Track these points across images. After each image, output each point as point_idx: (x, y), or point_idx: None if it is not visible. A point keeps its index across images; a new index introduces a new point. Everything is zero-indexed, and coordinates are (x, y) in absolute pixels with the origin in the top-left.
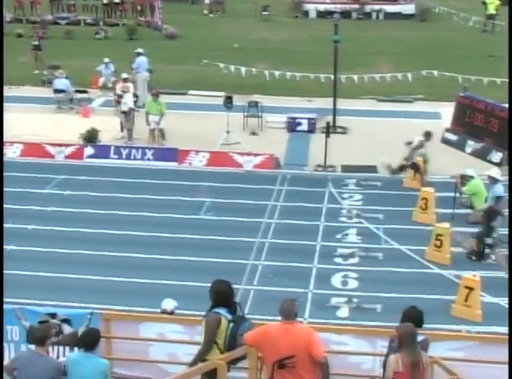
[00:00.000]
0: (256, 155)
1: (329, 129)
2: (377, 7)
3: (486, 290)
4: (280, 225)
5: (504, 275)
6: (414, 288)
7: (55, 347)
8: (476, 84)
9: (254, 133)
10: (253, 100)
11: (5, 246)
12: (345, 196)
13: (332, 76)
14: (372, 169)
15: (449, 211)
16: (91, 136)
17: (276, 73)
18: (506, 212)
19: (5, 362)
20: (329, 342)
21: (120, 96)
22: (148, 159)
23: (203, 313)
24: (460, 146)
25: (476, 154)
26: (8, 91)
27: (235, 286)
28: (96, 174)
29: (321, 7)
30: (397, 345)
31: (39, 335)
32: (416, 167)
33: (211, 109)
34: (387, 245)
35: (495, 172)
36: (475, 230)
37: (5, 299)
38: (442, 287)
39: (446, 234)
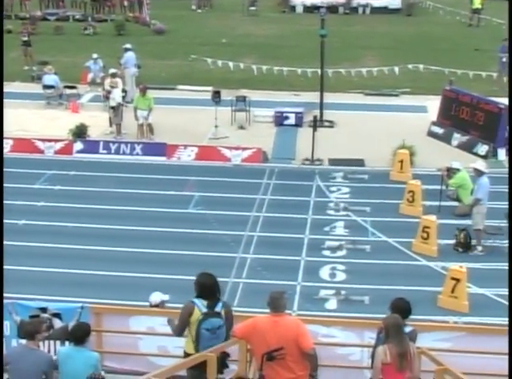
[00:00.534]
0: (244, 149)
1: (317, 123)
2: (363, 2)
3: (472, 282)
4: (268, 218)
5: (490, 266)
6: (401, 280)
7: (46, 342)
8: (462, 77)
9: (241, 128)
10: (240, 95)
11: None
12: (333, 189)
13: (319, 71)
14: (359, 162)
15: (436, 203)
16: (80, 132)
17: (264, 67)
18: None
19: None
20: (318, 334)
21: (109, 92)
22: (137, 154)
23: None
24: (446, 139)
25: (462, 147)
26: None
27: (224, 279)
28: (86, 169)
29: (308, 2)
30: (384, 336)
31: (29, 330)
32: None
33: (199, 104)
34: (375, 237)
35: (481, 165)
36: (461, 222)
37: None
38: (429, 278)
39: (432, 227)
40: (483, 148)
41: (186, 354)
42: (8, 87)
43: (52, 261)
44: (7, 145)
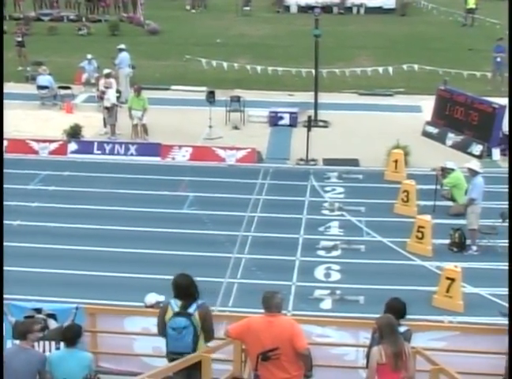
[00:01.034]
0: (238, 149)
1: (311, 123)
2: (358, 2)
3: (467, 281)
4: (263, 218)
5: (485, 265)
6: (396, 280)
7: (41, 342)
8: (456, 77)
9: (236, 128)
10: (235, 95)
11: None
12: (327, 189)
13: (313, 71)
14: (354, 162)
15: (431, 203)
16: (74, 132)
17: (258, 67)
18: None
19: None
20: (313, 334)
21: (103, 92)
22: (132, 155)
23: None
24: (440, 139)
25: (456, 146)
26: None
27: (218, 279)
28: (80, 169)
29: (303, 2)
30: (378, 337)
31: (21, 330)
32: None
33: (193, 104)
34: (369, 237)
35: (475, 164)
36: (455, 221)
37: None
38: (423, 278)
39: (427, 226)
40: (477, 148)
41: None
42: None
43: (47, 262)
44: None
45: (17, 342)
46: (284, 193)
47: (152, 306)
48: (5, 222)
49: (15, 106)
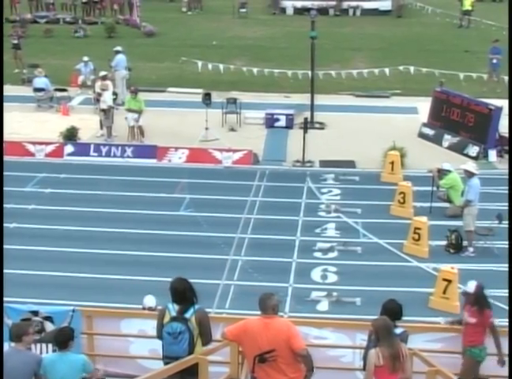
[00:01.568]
0: (235, 151)
1: (307, 125)
2: (354, 3)
3: (464, 283)
4: (259, 220)
5: (482, 267)
6: (393, 281)
7: (38, 345)
8: (453, 78)
9: (232, 130)
10: (231, 97)
11: None
12: (324, 190)
13: (309, 73)
14: (350, 164)
15: (427, 204)
16: (71, 135)
17: (254, 69)
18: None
19: None
20: (310, 336)
21: (99, 94)
22: (128, 157)
23: None
24: (437, 140)
25: (452, 148)
26: None
27: (215, 281)
28: (76, 171)
29: (299, 4)
30: (375, 339)
31: (15, 332)
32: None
33: (190, 106)
34: (366, 239)
35: (471, 166)
36: (452, 223)
37: None
38: (420, 279)
39: (424, 228)
40: (473, 150)
41: None
42: None
43: (43, 264)
44: None
45: (12, 344)
46: (280, 194)
47: (150, 309)
48: None
49: (12, 108)
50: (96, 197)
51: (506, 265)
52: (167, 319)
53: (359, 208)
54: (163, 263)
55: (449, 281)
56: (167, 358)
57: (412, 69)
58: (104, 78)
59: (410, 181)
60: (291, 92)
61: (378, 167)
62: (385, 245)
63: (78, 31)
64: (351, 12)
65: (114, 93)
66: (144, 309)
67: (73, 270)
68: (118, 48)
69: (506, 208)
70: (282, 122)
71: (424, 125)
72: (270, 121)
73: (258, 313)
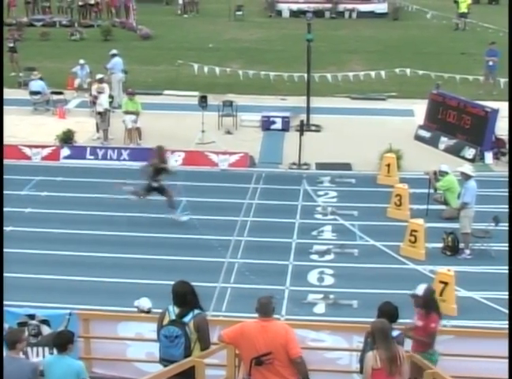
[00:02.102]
0: (231, 153)
1: (303, 127)
2: (350, 6)
3: (460, 285)
4: (256, 223)
5: (478, 269)
6: (389, 284)
7: (35, 348)
8: (449, 81)
9: (228, 132)
10: (227, 100)
11: None
12: (320, 193)
13: (305, 75)
14: (346, 166)
15: (424, 207)
16: (67, 138)
17: (250, 72)
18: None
19: None
20: (306, 338)
21: (95, 97)
22: (124, 160)
23: None
24: (433, 143)
25: (449, 150)
26: None
27: (211, 284)
28: (73, 174)
29: (295, 7)
30: (371, 341)
31: (9, 339)
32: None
33: (186, 109)
34: (362, 241)
35: (468, 168)
36: (448, 225)
37: None
38: (417, 282)
39: (420, 230)
40: (470, 152)
41: None
42: None
43: (40, 268)
44: None
45: (5, 352)
46: (276, 197)
47: (149, 311)
48: None
49: (8, 111)
50: (92, 201)
51: (503, 267)
52: (165, 321)
53: (355, 210)
54: (159, 266)
55: (446, 283)
56: (164, 361)
57: (408, 71)
58: (101, 81)
59: (406, 184)
60: (288, 95)
61: (375, 170)
62: (382, 248)
63: (74, 35)
64: (347, 14)
65: (111, 96)
66: (138, 310)
67: (70, 273)
68: (115, 51)
69: (503, 210)
70: (278, 125)
71: (420, 127)
72: (266, 124)
73: (255, 315)
